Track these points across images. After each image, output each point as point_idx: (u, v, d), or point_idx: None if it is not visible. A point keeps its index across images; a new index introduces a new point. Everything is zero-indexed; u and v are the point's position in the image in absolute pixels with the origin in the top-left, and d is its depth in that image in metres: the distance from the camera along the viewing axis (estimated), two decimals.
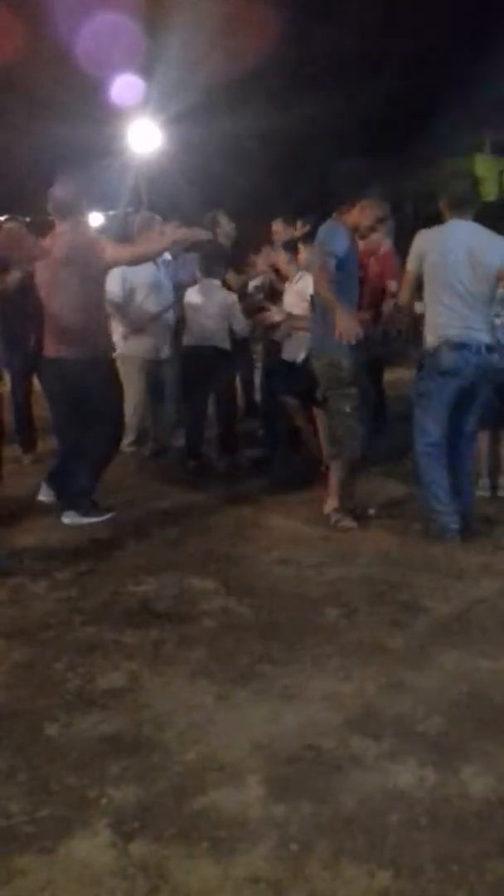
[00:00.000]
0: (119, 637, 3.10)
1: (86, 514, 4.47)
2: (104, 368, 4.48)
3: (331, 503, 4.41)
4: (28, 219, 5.92)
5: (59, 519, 4.49)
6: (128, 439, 5.34)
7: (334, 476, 4.42)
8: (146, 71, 13.77)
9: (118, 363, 4.81)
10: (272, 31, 13.28)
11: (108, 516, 4.51)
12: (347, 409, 4.30)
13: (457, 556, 3.93)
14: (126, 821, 2.09)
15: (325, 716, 2.55)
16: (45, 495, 4.70)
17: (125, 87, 13.29)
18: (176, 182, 14.41)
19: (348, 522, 4.34)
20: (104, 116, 13.95)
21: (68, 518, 4.47)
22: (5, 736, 2.47)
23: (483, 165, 33.52)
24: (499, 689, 2.71)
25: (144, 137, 14.72)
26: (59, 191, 4.45)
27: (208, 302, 5.56)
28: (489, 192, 32.33)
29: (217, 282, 5.67)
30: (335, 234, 4.19)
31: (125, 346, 5.38)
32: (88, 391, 4.37)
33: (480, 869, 1.91)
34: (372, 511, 4.53)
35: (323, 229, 4.28)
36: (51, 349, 4.46)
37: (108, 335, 4.69)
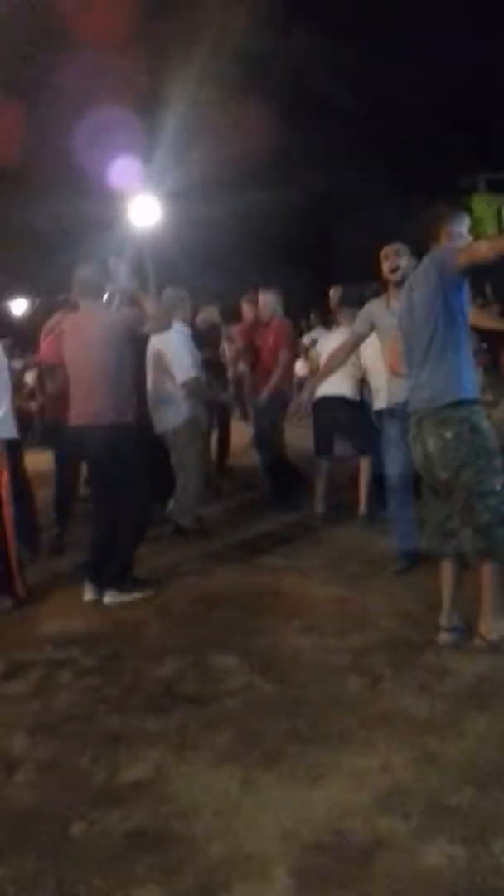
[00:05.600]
0: (143, 724, 3.08)
1: (126, 590, 4.50)
2: (132, 438, 4.58)
3: (493, 626, 3.47)
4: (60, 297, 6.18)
5: (84, 600, 4.51)
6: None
7: (495, 583, 3.47)
8: (144, 151, 14.28)
9: (185, 432, 5.17)
10: (265, 119, 13.82)
11: (149, 591, 4.53)
12: (498, 488, 3.41)
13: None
14: None
15: (352, 796, 2.51)
16: (90, 593, 4.57)
17: (124, 171, 13.80)
18: (176, 255, 14.81)
19: None
20: (105, 197, 14.43)
21: (109, 598, 4.49)
22: (31, 839, 2.45)
23: (480, 205, 33.89)
24: None
25: (144, 213, 15.16)
26: (85, 272, 4.63)
27: None
28: (488, 230, 32.63)
29: None
30: None
31: (189, 412, 5.52)
32: (118, 462, 4.44)
33: None
34: None
35: None
36: (82, 420, 4.56)
37: (132, 406, 4.76)
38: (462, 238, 3.62)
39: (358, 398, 5.71)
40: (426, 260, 3.62)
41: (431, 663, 3.42)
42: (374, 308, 4.59)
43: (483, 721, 2.90)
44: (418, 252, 4.08)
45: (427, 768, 2.62)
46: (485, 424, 3.46)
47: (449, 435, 3.41)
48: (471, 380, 3.51)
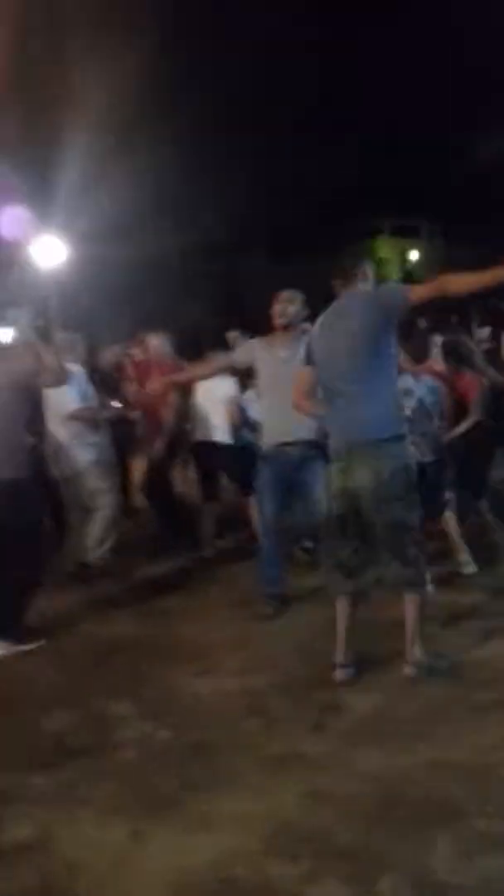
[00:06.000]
0: (29, 781, 2.96)
1: (18, 641, 4.33)
2: (31, 490, 4.48)
3: (421, 650, 3.59)
4: None
5: None
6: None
7: (418, 613, 3.59)
8: (41, 195, 14.22)
9: (93, 473, 5.24)
10: (170, 162, 14.08)
11: (41, 641, 4.37)
12: (418, 523, 3.60)
13: (378, 645, 3.87)
14: None
15: (240, 841, 2.47)
16: None
17: (13, 221, 13.67)
18: (83, 296, 14.76)
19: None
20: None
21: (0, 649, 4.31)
22: None
23: (384, 248, 35.29)
24: (414, 785, 2.70)
25: (49, 255, 15.07)
26: None
27: None
28: (392, 273, 34.00)
29: None
30: None
31: (95, 453, 5.49)
32: (16, 515, 4.32)
33: None
34: None
35: None
36: None
37: (29, 456, 4.66)
38: (370, 280, 3.75)
39: (232, 440, 5.78)
40: (363, 296, 3.66)
41: (326, 701, 3.43)
42: (258, 347, 4.65)
43: (374, 757, 2.92)
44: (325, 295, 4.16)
45: (317, 808, 2.62)
46: (412, 460, 3.62)
47: (386, 470, 3.47)
48: (401, 416, 3.70)
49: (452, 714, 3.18)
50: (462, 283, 3.54)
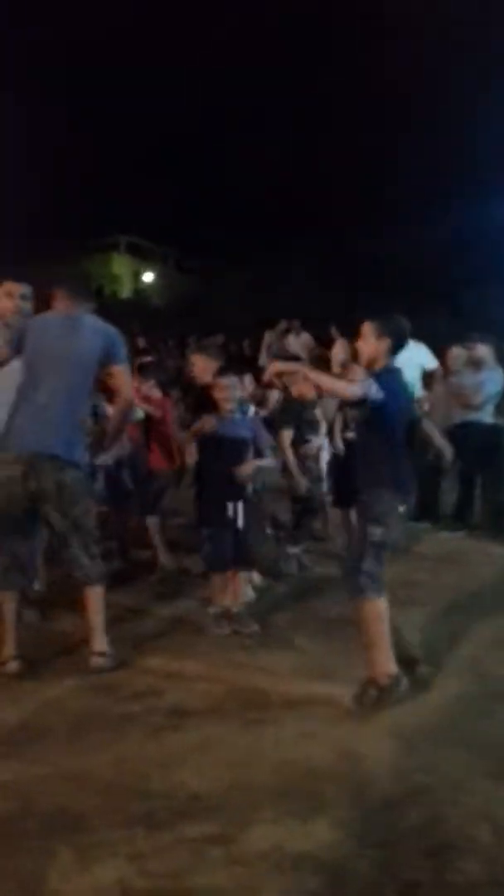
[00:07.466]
0: None
1: None
2: None
3: (101, 640, 3.76)
4: None
5: None
6: None
7: (100, 605, 3.78)
8: None
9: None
10: None
11: None
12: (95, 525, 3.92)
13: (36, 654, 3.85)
14: None
15: None
16: None
17: None
18: None
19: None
20: None
21: None
22: None
23: (120, 265, 35.57)
24: (46, 797, 2.70)
25: None
26: None
27: None
28: (124, 290, 34.33)
29: None
30: None
31: None
32: None
33: None
34: None
35: None
36: None
37: None
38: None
39: None
40: (97, 324, 3.84)
41: None
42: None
43: (10, 769, 2.88)
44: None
45: None
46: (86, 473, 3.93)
47: (69, 479, 3.66)
48: (83, 442, 3.91)
49: (97, 725, 3.23)
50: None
